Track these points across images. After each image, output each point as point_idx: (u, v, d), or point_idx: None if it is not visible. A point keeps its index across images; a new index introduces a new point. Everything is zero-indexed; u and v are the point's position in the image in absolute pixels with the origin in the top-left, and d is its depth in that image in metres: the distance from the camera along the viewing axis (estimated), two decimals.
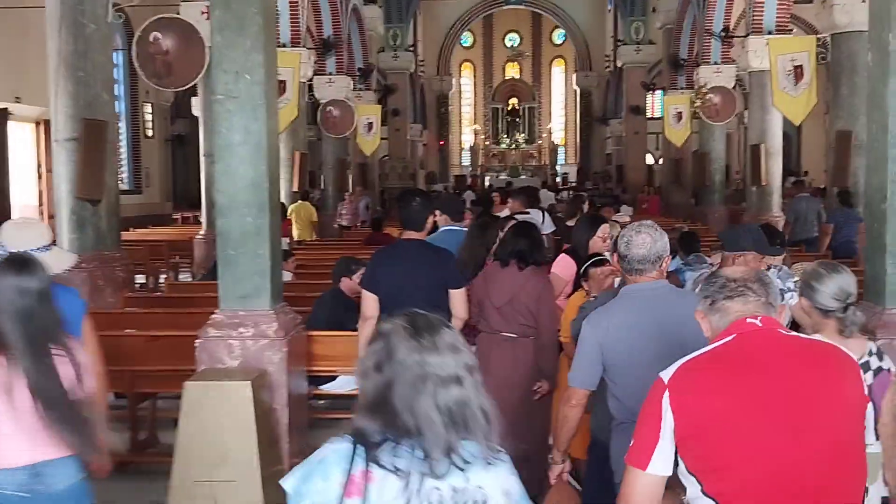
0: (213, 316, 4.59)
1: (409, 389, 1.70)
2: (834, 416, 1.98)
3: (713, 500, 1.97)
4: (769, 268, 4.52)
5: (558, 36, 42.85)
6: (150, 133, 22.39)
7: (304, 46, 16.04)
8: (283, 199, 16.43)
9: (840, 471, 1.98)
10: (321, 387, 5.55)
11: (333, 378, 5.51)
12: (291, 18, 15.87)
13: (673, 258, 7.56)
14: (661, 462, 2.01)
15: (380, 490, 1.67)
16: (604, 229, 5.44)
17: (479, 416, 1.73)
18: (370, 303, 4.31)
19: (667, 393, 1.99)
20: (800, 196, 12.89)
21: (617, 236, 3.32)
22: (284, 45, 15.18)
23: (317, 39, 18.76)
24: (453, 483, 1.68)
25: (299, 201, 15.23)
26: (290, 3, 15.73)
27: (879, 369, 3.03)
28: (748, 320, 2.08)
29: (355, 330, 5.23)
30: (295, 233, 14.20)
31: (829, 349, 2.11)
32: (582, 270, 4.75)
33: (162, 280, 12.62)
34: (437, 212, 5.59)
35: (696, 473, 1.99)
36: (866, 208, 4.88)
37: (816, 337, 2.30)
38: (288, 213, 13.94)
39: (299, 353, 4.84)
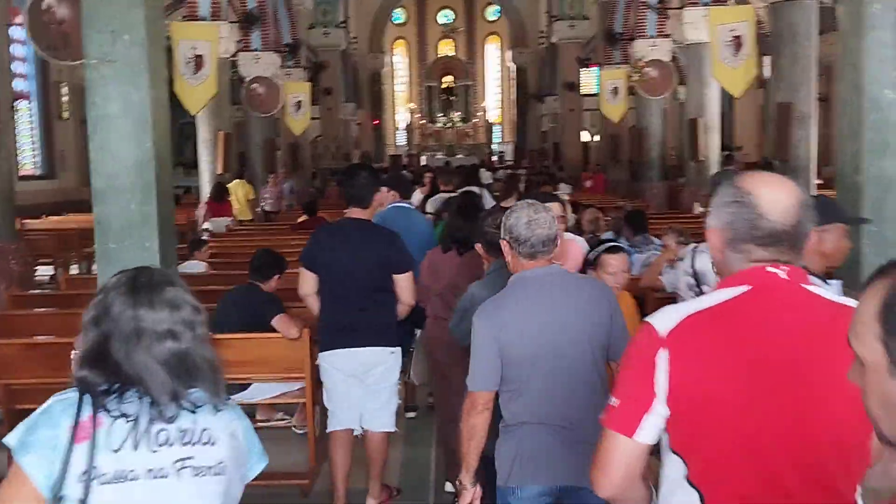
0: None
1: (125, 343, 1.77)
2: (848, 403, 1.55)
3: (697, 491, 1.66)
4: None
5: (492, 12, 42.31)
6: (65, 115, 21.11)
7: (225, 20, 15.15)
8: (205, 183, 15.81)
9: (842, 466, 1.65)
10: (232, 397, 4.88)
11: (247, 386, 4.87)
12: None
13: (617, 238, 7.13)
14: (651, 430, 1.69)
15: (108, 434, 1.72)
16: (557, 208, 4.99)
17: (203, 366, 1.82)
18: (308, 280, 4.14)
19: (664, 351, 1.65)
20: (725, 170, 12.81)
21: (502, 216, 3.04)
22: (204, 19, 14.30)
23: (240, 14, 17.81)
24: (181, 425, 1.77)
25: (236, 179, 15.06)
26: None
27: None
28: (769, 269, 1.70)
29: (271, 330, 4.65)
30: (234, 210, 14.06)
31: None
32: (592, 258, 4.21)
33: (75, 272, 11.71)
34: (385, 189, 5.38)
35: (682, 453, 1.70)
36: (837, 181, 4.40)
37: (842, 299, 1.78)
38: (231, 192, 14.03)
39: None
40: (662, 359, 1.65)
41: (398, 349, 4.34)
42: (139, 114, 3.78)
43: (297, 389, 4.88)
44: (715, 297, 1.72)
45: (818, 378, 1.62)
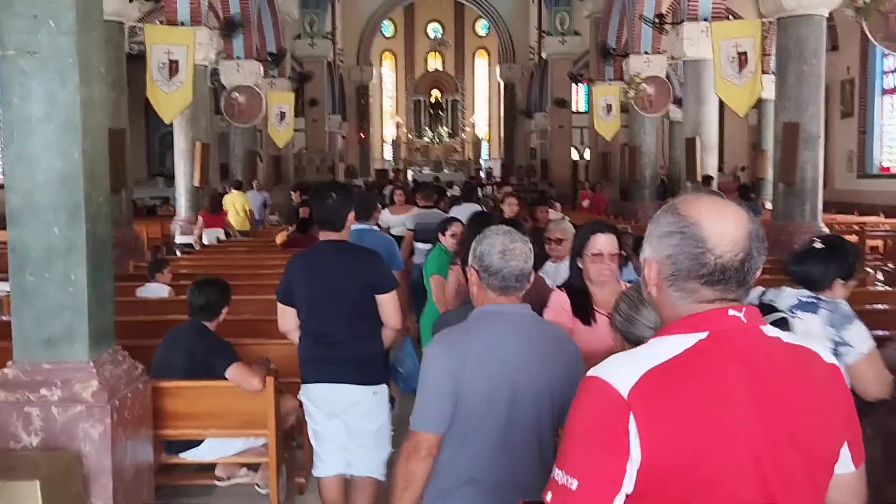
0: (4, 370, 3.19)
1: None
2: (822, 453, 1.54)
3: None
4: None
5: (481, 27, 41.88)
6: None
7: (204, 25, 14.47)
8: (181, 195, 15.09)
9: None
10: (182, 454, 4.15)
11: (199, 442, 4.13)
12: None
13: (625, 265, 6.46)
14: None
15: None
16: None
17: None
18: (287, 315, 3.85)
19: (631, 415, 1.41)
20: (705, 191, 13.09)
21: (471, 241, 2.71)
22: (183, 24, 13.63)
23: (222, 20, 17.14)
24: None
25: (233, 191, 14.81)
26: None
27: None
28: (730, 312, 1.51)
29: (224, 378, 3.95)
30: (233, 221, 13.92)
31: (814, 358, 1.58)
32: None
33: None
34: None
35: None
36: None
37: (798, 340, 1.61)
38: (223, 205, 13.70)
39: (140, 417, 3.49)
40: (632, 425, 1.40)
41: (383, 388, 3.92)
42: (66, 117, 3.07)
43: (261, 446, 4.17)
44: (669, 345, 1.49)
45: (793, 442, 1.48)
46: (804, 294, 3.19)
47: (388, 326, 3.86)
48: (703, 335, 1.49)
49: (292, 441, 4.70)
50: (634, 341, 2.39)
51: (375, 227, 6.50)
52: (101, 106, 3.25)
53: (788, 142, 10.90)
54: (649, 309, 2.39)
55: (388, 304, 3.80)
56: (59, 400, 3.10)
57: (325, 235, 3.89)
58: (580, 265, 3.53)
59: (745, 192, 12.60)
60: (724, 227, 1.50)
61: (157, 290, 6.56)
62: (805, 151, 10.99)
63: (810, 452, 1.49)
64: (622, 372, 1.45)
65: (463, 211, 7.67)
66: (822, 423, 1.52)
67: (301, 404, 4.08)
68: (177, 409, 3.89)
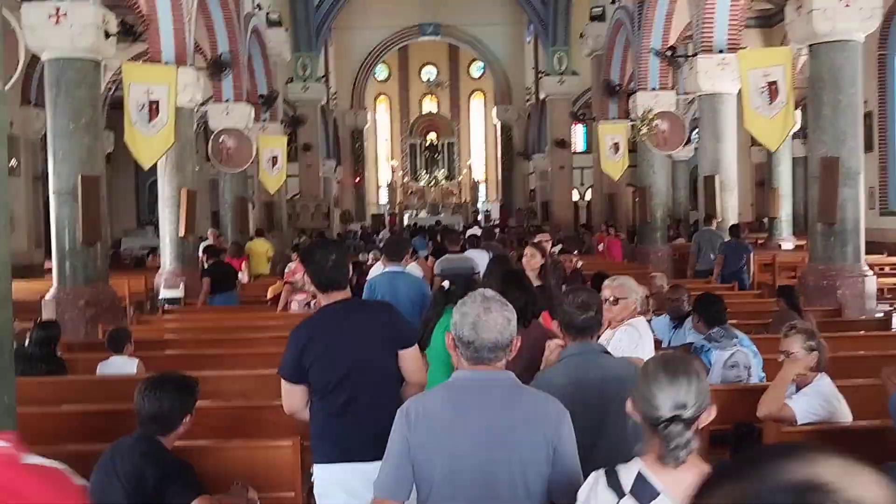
0: None
1: None
2: None
3: None
4: None
5: (476, 69, 41.41)
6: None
7: (191, 65, 13.62)
8: (165, 245, 14.09)
9: None
10: None
11: None
12: (176, 34, 13.42)
13: (678, 326, 5.46)
14: None
15: None
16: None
17: None
18: (295, 395, 3.46)
19: None
20: (703, 229, 13.66)
21: (584, 295, 3.09)
22: (167, 63, 12.77)
23: (210, 61, 16.33)
24: None
25: (255, 238, 15.72)
26: (175, 14, 13.32)
27: None
28: None
29: None
30: (255, 266, 14.63)
31: None
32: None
33: None
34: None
35: None
36: None
37: None
38: (245, 251, 14.43)
39: None
40: None
41: None
42: None
43: None
44: None
45: None
46: None
47: (411, 382, 3.52)
48: None
49: None
50: (650, 422, 2.14)
51: (406, 270, 6.52)
52: None
53: (827, 178, 9.98)
54: (664, 388, 2.12)
55: (412, 359, 3.51)
56: None
57: (330, 297, 3.54)
58: None
59: (734, 232, 12.38)
60: None
61: (122, 365, 5.47)
62: (845, 188, 10.07)
63: None
64: None
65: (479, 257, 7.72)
66: None
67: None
68: None
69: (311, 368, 3.40)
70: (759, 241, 22.64)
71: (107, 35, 10.02)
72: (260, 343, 6.40)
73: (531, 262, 5.80)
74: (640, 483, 2.10)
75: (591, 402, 2.85)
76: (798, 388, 3.79)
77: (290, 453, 3.62)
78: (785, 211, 22.81)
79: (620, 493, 2.10)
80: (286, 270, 10.26)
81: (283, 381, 3.46)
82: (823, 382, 3.76)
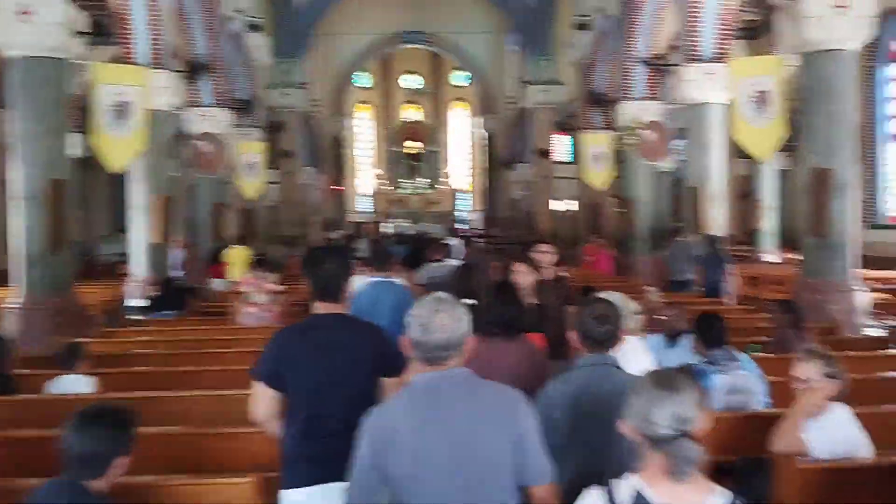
0: None
1: None
2: None
3: None
4: None
5: (459, 77, 41.19)
6: None
7: (167, 68, 13.21)
8: (137, 253, 13.65)
9: None
10: None
11: None
12: (151, 35, 13.00)
13: (672, 345, 5.14)
14: None
15: None
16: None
17: None
18: (266, 400, 3.29)
19: None
20: (678, 241, 13.59)
21: (605, 306, 3.17)
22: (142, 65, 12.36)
23: (187, 63, 15.90)
24: None
25: (237, 245, 15.27)
26: (150, 16, 12.91)
27: None
28: None
29: None
30: (234, 273, 14.06)
31: None
32: None
33: None
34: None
35: None
36: None
37: None
38: (223, 257, 14.41)
39: None
40: None
41: None
42: None
43: None
44: None
45: None
46: None
47: None
48: None
49: None
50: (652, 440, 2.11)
51: (394, 280, 6.42)
52: None
53: (819, 190, 9.73)
54: (665, 405, 2.10)
55: (395, 388, 3.24)
56: None
57: (322, 307, 3.41)
58: None
59: (713, 243, 12.10)
60: None
61: (72, 383, 5.04)
62: (836, 201, 9.82)
63: None
64: None
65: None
66: None
67: None
68: None
69: (286, 377, 3.26)
70: (744, 255, 22.50)
71: (77, 34, 9.60)
72: (226, 359, 6.01)
73: (521, 279, 5.24)
74: (639, 499, 2.10)
75: (603, 413, 2.81)
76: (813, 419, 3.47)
77: (249, 492, 3.22)
78: (769, 224, 22.66)
79: None
80: (221, 281, 9.86)
81: (254, 383, 3.28)
82: (841, 412, 3.44)
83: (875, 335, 9.00)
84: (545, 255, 5.56)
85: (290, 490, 3.26)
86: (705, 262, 11.93)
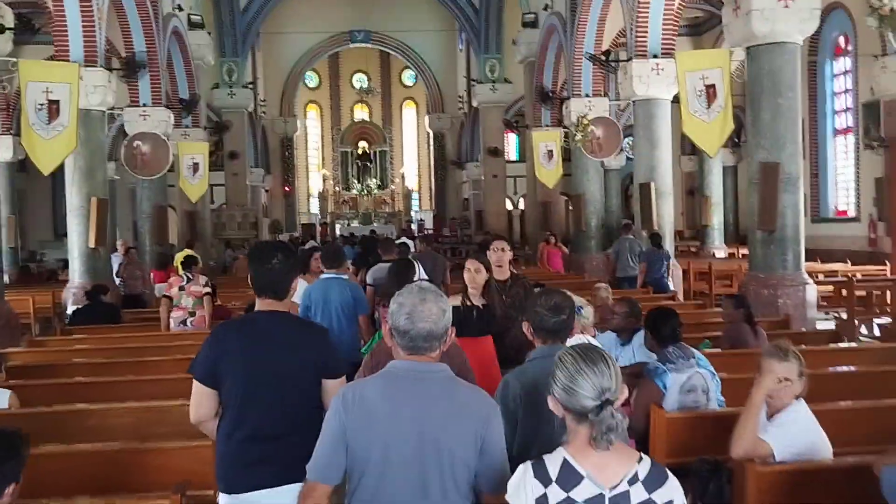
0: None
1: None
2: None
3: None
4: None
5: (408, 77, 40.90)
6: None
7: (102, 66, 12.73)
8: (74, 258, 13.16)
9: None
10: None
11: None
12: (85, 32, 12.52)
13: (625, 343, 4.98)
14: None
15: None
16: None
17: None
18: (204, 399, 3.17)
19: None
20: (623, 237, 13.71)
21: (556, 298, 3.21)
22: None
23: (124, 61, 15.40)
24: None
25: (185, 250, 13.96)
26: (83, 13, 12.42)
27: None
28: None
29: None
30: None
31: None
32: None
33: None
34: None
35: None
36: None
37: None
38: (173, 261, 13.49)
39: None
40: None
41: None
42: None
43: None
44: None
45: None
46: None
47: None
48: None
49: None
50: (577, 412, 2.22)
51: (343, 277, 6.70)
52: None
53: (767, 184, 9.71)
54: (588, 376, 2.21)
55: (335, 391, 3.01)
56: None
57: (264, 305, 3.27)
58: None
59: (656, 240, 12.43)
60: None
61: None
62: (785, 194, 9.82)
63: None
64: None
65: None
66: None
67: None
68: None
69: (225, 376, 3.13)
70: (692, 250, 22.68)
71: (0, 29, 9.14)
72: (158, 368, 5.68)
73: (476, 278, 4.92)
74: (566, 470, 2.16)
75: None
76: (769, 416, 3.31)
77: None
78: (717, 219, 22.91)
79: (547, 482, 2.17)
80: (164, 285, 9.39)
81: (195, 381, 3.17)
82: (800, 409, 3.29)
83: (824, 328, 8.99)
84: (502, 253, 5.27)
85: (223, 496, 3.15)
86: (648, 257, 12.19)
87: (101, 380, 5.54)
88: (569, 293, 3.82)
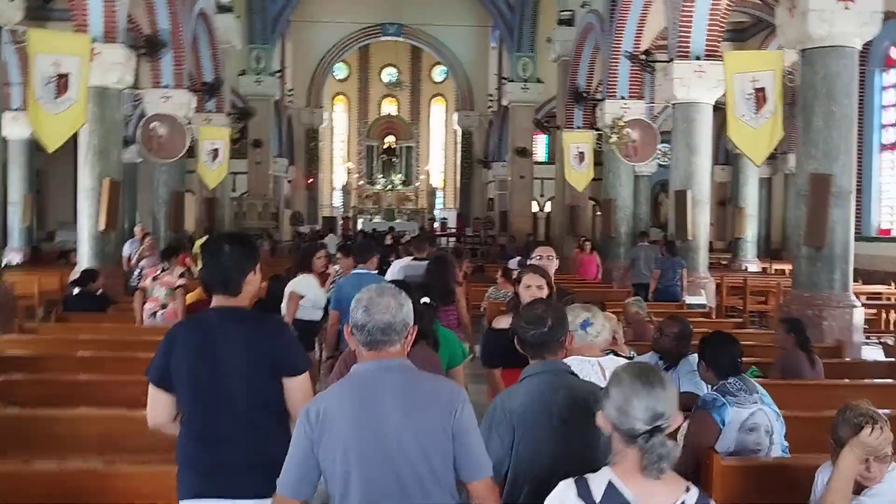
0: None
1: None
2: None
3: None
4: None
5: (438, 73, 40.40)
6: None
7: (121, 42, 12.27)
8: (83, 241, 12.73)
9: None
10: None
11: None
12: (106, 6, 12.07)
13: (669, 369, 4.39)
14: None
15: None
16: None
17: None
18: (160, 404, 3.02)
19: None
20: (639, 245, 13.89)
21: (540, 310, 3.02)
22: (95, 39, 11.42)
23: (144, 39, 14.95)
24: None
25: (206, 236, 13.33)
26: None
27: None
28: None
29: None
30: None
31: None
32: None
33: None
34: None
35: None
36: None
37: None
38: (195, 248, 13.03)
39: None
40: None
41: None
42: None
43: None
44: None
45: None
46: None
47: (294, 417, 3.04)
48: None
49: None
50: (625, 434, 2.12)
51: (374, 272, 6.61)
52: None
53: (817, 197, 9.03)
54: (643, 398, 2.10)
55: (298, 390, 3.03)
56: None
57: (217, 301, 3.13)
58: None
59: (670, 247, 12.49)
60: None
61: None
62: (835, 209, 9.14)
63: None
64: None
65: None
66: None
67: None
68: None
69: (176, 377, 3.00)
70: (723, 262, 21.93)
71: None
72: (130, 366, 5.14)
73: (537, 294, 4.12)
74: (611, 492, 2.10)
75: (555, 423, 2.75)
76: (857, 491, 2.71)
77: None
78: (750, 232, 22.17)
79: (590, 502, 2.11)
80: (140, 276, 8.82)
81: (150, 385, 3.05)
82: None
83: (876, 357, 8.29)
84: (548, 261, 4.58)
85: (188, 500, 3.00)
86: (662, 264, 12.20)
87: (77, 378, 5.01)
88: (579, 306, 3.53)
